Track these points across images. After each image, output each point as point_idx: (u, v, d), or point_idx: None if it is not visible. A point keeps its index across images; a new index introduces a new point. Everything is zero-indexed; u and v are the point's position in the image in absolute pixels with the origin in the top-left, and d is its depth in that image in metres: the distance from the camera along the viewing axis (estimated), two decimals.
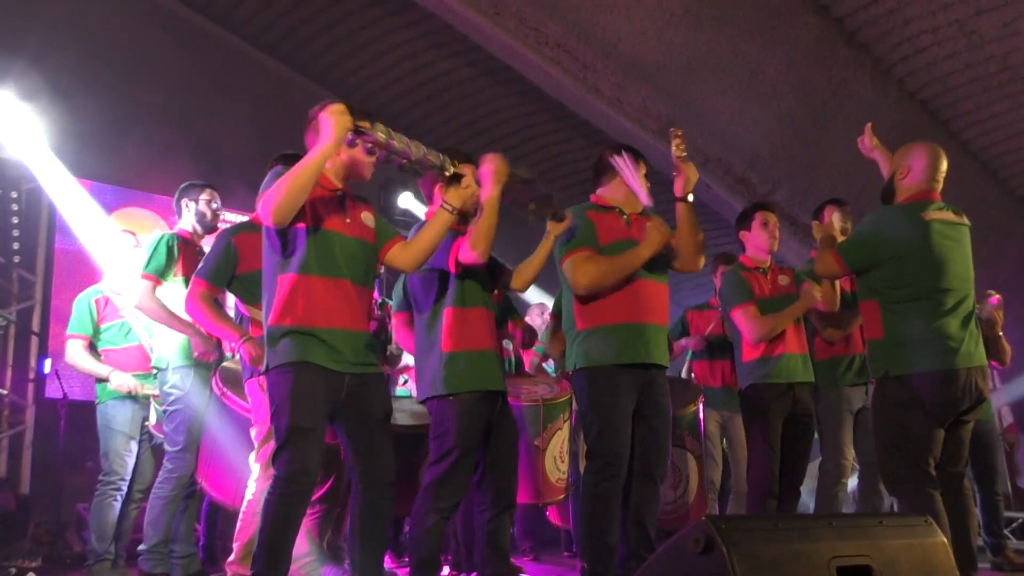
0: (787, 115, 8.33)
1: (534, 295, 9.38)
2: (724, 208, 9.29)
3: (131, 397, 4.92)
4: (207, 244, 4.56)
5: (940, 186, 3.88)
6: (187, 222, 4.78)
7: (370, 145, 3.12)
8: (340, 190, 3.27)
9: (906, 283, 3.71)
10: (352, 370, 3.14)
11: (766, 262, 4.72)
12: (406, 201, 9.56)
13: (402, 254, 3.33)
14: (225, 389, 4.17)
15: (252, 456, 3.86)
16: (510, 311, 4.80)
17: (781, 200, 8.56)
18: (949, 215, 3.82)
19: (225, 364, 4.41)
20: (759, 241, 4.70)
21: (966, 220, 3.87)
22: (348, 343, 3.14)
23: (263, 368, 3.16)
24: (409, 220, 9.32)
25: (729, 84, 8.00)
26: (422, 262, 3.39)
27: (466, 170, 3.44)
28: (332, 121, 2.99)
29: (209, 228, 4.82)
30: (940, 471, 3.71)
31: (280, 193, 2.96)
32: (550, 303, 6.49)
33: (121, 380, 4.87)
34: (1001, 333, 5.71)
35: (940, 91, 8.39)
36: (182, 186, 4.86)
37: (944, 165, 3.90)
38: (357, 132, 3.05)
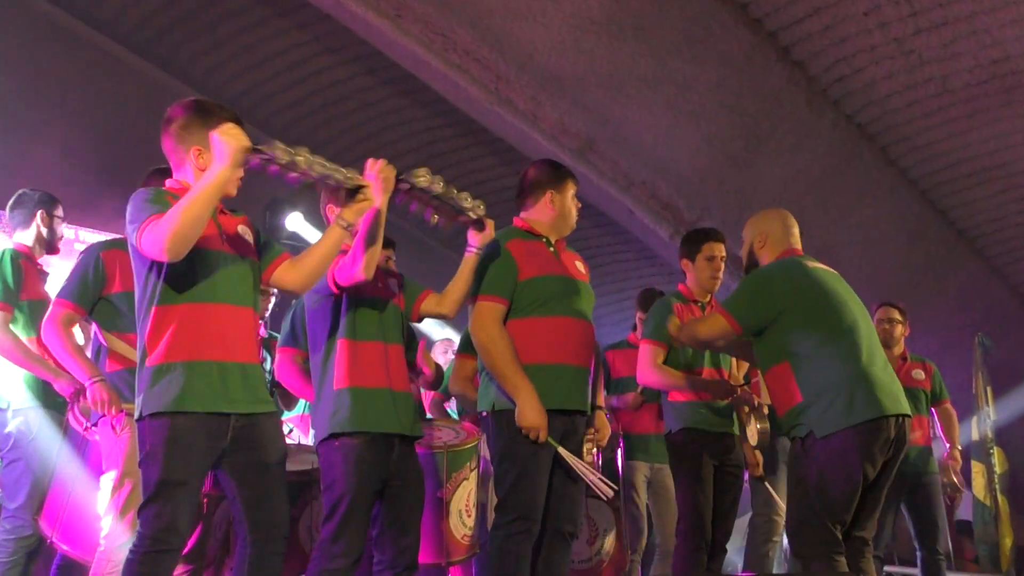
0: (716, 136, 8.49)
1: (439, 331, 9.33)
2: (648, 236, 9.41)
3: None
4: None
5: (799, 245, 4.09)
6: (28, 236, 4.50)
7: (265, 162, 3.01)
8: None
9: (812, 331, 3.79)
10: (240, 409, 3.08)
11: (706, 297, 4.79)
12: (295, 223, 9.42)
13: (291, 272, 3.27)
14: (91, 424, 4.03)
15: (102, 506, 3.73)
16: (413, 346, 4.77)
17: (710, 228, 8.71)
18: (824, 265, 4.00)
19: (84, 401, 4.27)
20: (700, 276, 4.75)
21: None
22: (236, 377, 3.08)
23: (136, 414, 3.06)
24: (298, 244, 9.21)
25: (654, 100, 8.12)
26: (314, 281, 3.34)
27: (370, 179, 3.40)
28: (228, 143, 2.86)
29: (50, 249, 4.59)
30: (846, 536, 3.77)
31: (173, 226, 2.84)
32: (456, 338, 6.46)
33: None
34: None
35: (878, 115, 8.65)
36: (29, 191, 4.60)
37: (796, 226, 4.11)
38: (256, 151, 2.94)
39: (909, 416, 3.77)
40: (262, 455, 3.13)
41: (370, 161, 3.38)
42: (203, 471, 3.07)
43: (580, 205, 4.06)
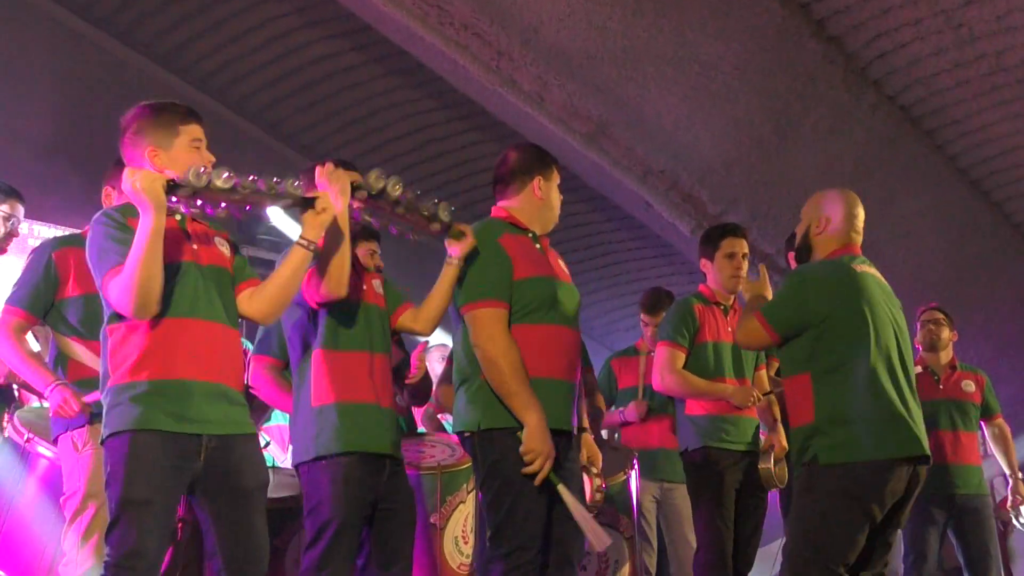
0: (744, 120, 8.49)
1: (434, 335, 9.30)
2: (667, 230, 9.40)
3: None
4: None
5: (861, 238, 4.08)
6: None
7: (188, 200, 3.01)
8: (182, 212, 3.23)
9: (841, 348, 3.81)
10: (213, 430, 3.10)
11: (729, 300, 4.82)
12: (274, 216, 9.42)
13: (251, 301, 3.31)
14: (32, 435, 4.05)
15: (64, 533, 3.75)
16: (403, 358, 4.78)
17: (737, 221, 8.71)
18: (875, 271, 4.01)
19: (22, 410, 4.29)
20: (721, 276, 4.78)
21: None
22: (208, 398, 3.11)
23: (100, 438, 3.09)
24: (278, 240, 9.21)
25: (675, 81, 8.12)
26: (277, 311, 3.39)
27: (322, 188, 3.40)
28: (140, 188, 2.91)
29: None
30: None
31: (132, 294, 2.96)
32: (451, 342, 6.45)
33: None
34: None
35: (924, 95, 8.63)
36: None
37: (862, 212, 4.09)
38: (171, 189, 2.97)
39: (927, 457, 3.80)
40: (239, 480, 3.15)
41: (319, 168, 3.42)
42: (172, 491, 3.08)
43: (565, 196, 4.04)
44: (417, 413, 5.95)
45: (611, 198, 9.52)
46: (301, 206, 3.25)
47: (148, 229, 2.94)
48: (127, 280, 2.96)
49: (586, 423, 4.16)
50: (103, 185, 4.02)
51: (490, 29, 7.63)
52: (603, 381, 5.89)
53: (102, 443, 3.08)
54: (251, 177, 3.07)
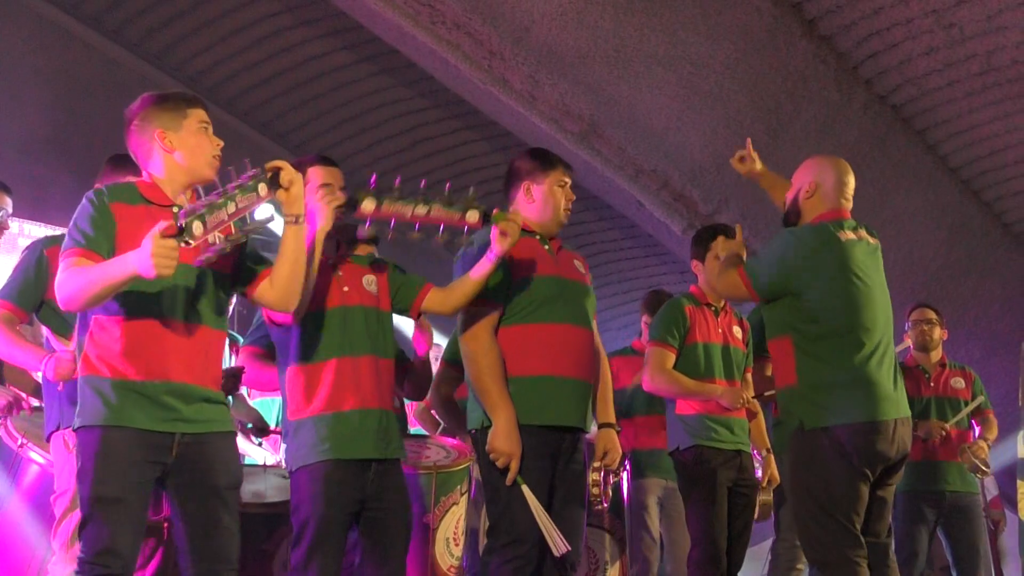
0: (735, 119, 8.50)
1: None
2: (659, 230, 9.41)
3: None
4: None
5: (851, 204, 4.10)
6: None
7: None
8: (178, 205, 3.20)
9: (823, 317, 3.86)
10: (187, 428, 3.10)
11: (720, 301, 4.82)
12: (263, 209, 9.40)
13: (269, 290, 3.27)
14: (25, 440, 4.05)
15: (53, 530, 3.76)
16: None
17: (728, 221, 8.73)
18: (865, 235, 4.04)
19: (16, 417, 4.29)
20: (711, 277, 4.78)
21: (878, 241, 4.09)
22: (186, 398, 3.10)
23: (73, 424, 3.09)
24: (268, 240, 9.21)
25: (665, 80, 8.13)
26: (292, 295, 3.29)
27: (312, 208, 3.41)
28: (153, 258, 2.76)
29: None
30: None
31: (78, 297, 2.93)
32: (444, 342, 6.45)
33: None
34: None
35: (915, 95, 8.66)
36: None
37: (853, 180, 4.12)
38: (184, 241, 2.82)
39: (906, 417, 3.87)
40: (210, 477, 3.14)
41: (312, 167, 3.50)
42: (143, 488, 3.07)
43: (574, 198, 4.01)
44: (409, 410, 5.95)
45: (603, 197, 9.53)
46: (271, 183, 3.15)
47: (125, 272, 2.86)
48: (82, 286, 2.93)
49: (611, 418, 4.11)
50: (95, 184, 4.02)
51: (482, 28, 7.64)
52: None
53: (74, 430, 3.08)
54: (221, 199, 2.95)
